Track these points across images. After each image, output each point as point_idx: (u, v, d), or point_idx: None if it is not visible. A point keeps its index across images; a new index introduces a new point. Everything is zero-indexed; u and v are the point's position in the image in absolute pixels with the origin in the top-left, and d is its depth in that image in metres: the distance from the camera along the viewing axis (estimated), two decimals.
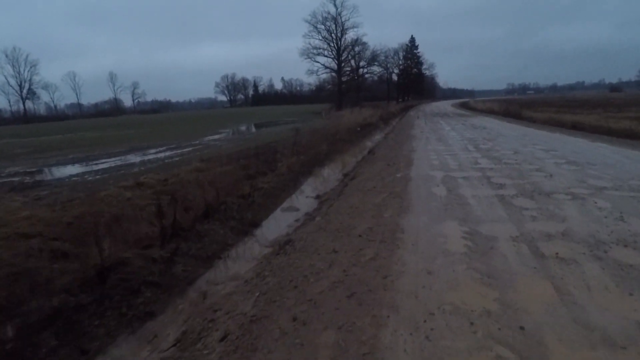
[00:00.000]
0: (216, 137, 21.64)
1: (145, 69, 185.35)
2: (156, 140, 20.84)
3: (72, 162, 13.76)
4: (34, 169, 12.35)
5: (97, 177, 10.24)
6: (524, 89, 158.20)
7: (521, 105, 31.88)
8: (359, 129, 20.74)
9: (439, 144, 11.82)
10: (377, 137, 17.88)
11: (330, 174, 9.69)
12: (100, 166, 12.29)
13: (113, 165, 12.31)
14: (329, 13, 45.69)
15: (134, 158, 13.90)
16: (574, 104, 40.09)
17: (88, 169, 11.95)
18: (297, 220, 6.14)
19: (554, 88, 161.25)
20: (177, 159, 12.85)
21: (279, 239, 5.20)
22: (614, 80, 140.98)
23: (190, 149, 16.19)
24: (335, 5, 45.46)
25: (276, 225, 6.04)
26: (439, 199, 5.27)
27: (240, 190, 7.55)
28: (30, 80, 75.64)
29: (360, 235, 4.06)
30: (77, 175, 10.79)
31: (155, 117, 65.20)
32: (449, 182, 6.24)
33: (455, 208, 4.77)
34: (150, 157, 13.95)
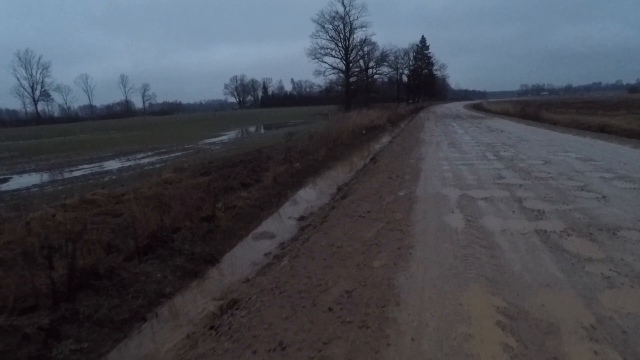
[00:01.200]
0: (214, 140, 20.36)
1: (159, 71, 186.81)
2: (150, 144, 19.68)
3: (49, 168, 12.56)
4: (1, 177, 11.18)
5: (60, 187, 8.95)
6: (537, 89, 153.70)
7: (539, 107, 29.84)
8: (364, 132, 19.19)
9: (451, 150, 10.20)
10: (383, 140, 16.30)
11: (322, 187, 8.18)
12: (74, 174, 11.03)
13: (87, 172, 11.02)
14: (337, 12, 44.23)
15: (114, 164, 12.63)
16: (593, 105, 37.91)
17: (59, 177, 10.70)
18: (266, 255, 4.66)
19: (569, 89, 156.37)
20: (159, 165, 11.52)
21: (231, 289, 3.74)
22: (632, 81, 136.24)
23: (180, 153, 14.90)
24: (343, 4, 43.97)
25: (238, 262, 4.57)
26: (455, 235, 3.73)
27: (208, 210, 6.12)
28: (42, 82, 76.05)
29: (330, 309, 2.55)
30: (40, 185, 9.52)
31: (163, 119, 64.62)
32: (467, 207, 4.68)
33: (480, 255, 3.22)
34: (132, 163, 12.67)
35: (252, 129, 30.26)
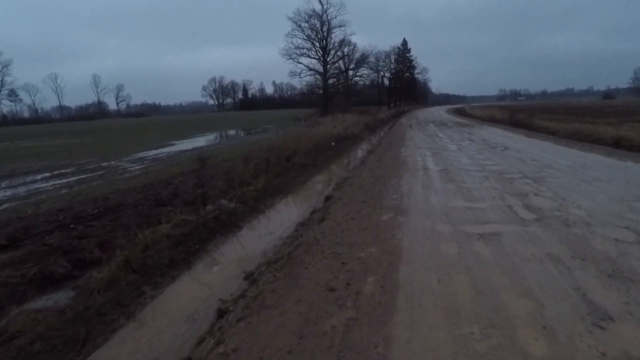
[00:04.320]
0: (150, 153, 16.07)
1: (141, 72, 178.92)
2: (72, 157, 15.31)
3: None
4: None
5: None
6: (515, 94, 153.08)
7: (530, 114, 26.66)
8: (333, 143, 15.31)
9: (448, 186, 6.38)
10: (354, 158, 12.45)
11: (206, 287, 4.18)
12: None
13: None
14: (314, 10, 40.29)
15: None
16: (578, 112, 35.38)
17: None
18: None
19: (544, 94, 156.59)
20: (19, 202, 7.28)
21: None
22: (602, 88, 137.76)
23: (79, 177, 10.63)
24: (320, 2, 40.07)
25: None
26: None
27: None
28: (2, 81, 69.43)
29: None
30: None
31: (131, 122, 59.17)
32: None
33: None
34: None
35: (213, 136, 25.96)
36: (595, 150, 10.57)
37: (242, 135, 26.51)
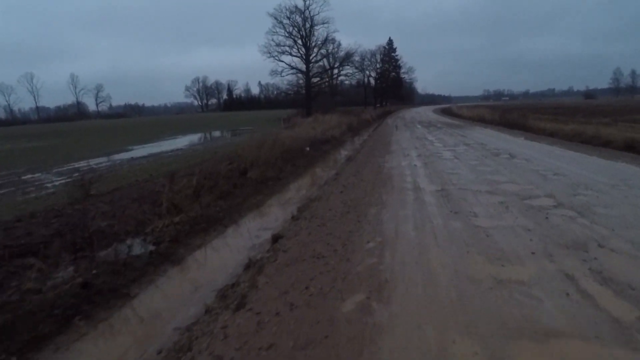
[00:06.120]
0: (92, 162, 13.46)
1: (131, 73, 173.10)
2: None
3: None
4: None
5: None
6: (498, 95, 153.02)
7: (522, 114, 24.78)
8: (308, 148, 13.00)
9: (453, 225, 4.13)
10: (327, 170, 10.15)
11: None
12: None
13: None
14: (296, 7, 37.77)
15: None
16: (565, 111, 33.88)
17: None
18: None
19: (526, 95, 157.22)
20: None
21: None
22: (582, 88, 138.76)
23: None
24: None
25: None
26: None
27: None
28: None
29: None
30: None
31: (106, 123, 55.58)
32: None
33: None
34: None
35: (182, 139, 23.28)
36: (621, 157, 8.55)
37: (215, 138, 23.94)
